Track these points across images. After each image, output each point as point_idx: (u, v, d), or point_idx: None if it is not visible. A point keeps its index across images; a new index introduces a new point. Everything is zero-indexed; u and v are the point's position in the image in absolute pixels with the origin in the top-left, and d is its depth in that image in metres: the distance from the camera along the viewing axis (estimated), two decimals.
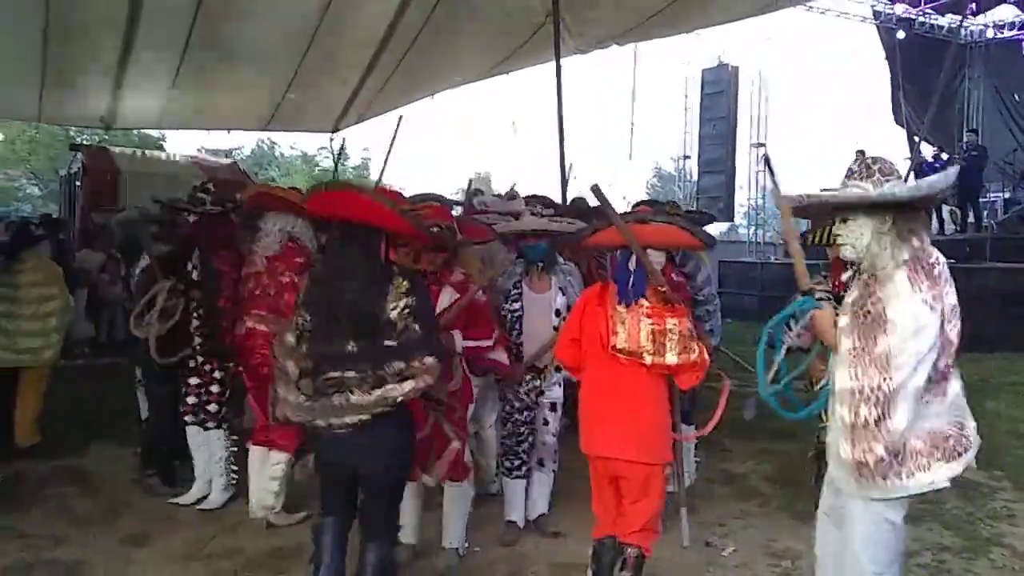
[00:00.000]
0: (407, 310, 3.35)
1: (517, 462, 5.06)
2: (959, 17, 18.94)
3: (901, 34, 20.08)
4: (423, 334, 3.38)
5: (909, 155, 18.15)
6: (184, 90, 11.88)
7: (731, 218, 23.40)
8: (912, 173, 16.84)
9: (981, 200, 16.97)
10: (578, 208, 6.70)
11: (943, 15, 20.29)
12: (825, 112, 71.52)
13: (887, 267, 2.87)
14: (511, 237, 5.30)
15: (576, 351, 3.96)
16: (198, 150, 28.65)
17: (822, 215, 3.24)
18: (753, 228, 23.21)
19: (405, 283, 3.40)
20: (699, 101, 21.97)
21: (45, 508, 5.43)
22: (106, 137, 16.21)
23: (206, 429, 5.51)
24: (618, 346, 3.73)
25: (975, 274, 13.19)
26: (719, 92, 21.02)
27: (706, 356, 3.75)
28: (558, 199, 8.27)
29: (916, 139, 18.15)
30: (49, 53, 10.09)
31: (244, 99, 12.93)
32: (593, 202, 6.85)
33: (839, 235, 3.01)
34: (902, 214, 2.88)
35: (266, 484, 5.17)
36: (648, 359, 3.67)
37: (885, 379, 2.72)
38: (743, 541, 5.03)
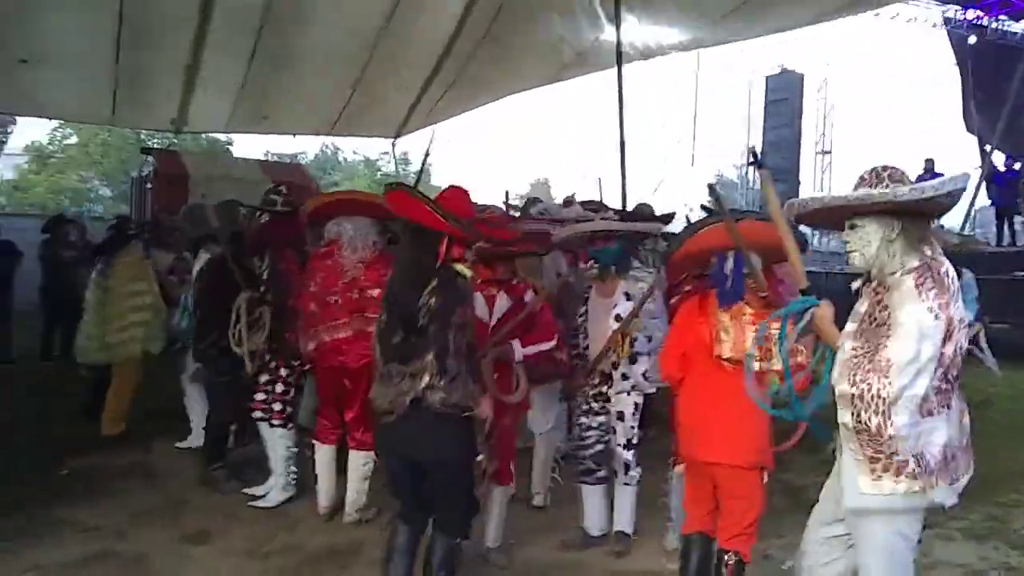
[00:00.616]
0: (425, 309, 3.49)
1: (582, 468, 4.99)
2: None
3: (972, 40, 19.60)
4: (434, 334, 3.49)
5: (980, 164, 17.74)
6: (251, 95, 12.10)
7: (796, 227, 23.06)
8: (984, 183, 16.53)
9: None
10: (641, 214, 6.65)
11: (1017, 20, 19.75)
12: (893, 120, 70.11)
13: (896, 274, 2.81)
14: (582, 241, 5.26)
15: (682, 363, 3.95)
16: (264, 154, 29.27)
17: (830, 221, 3.13)
18: (818, 236, 22.85)
19: (434, 282, 3.52)
20: (763, 108, 21.75)
21: (110, 502, 5.55)
22: (175, 141, 16.57)
23: (271, 427, 5.61)
24: (724, 355, 3.75)
25: None
26: (783, 99, 20.81)
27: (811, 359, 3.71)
28: (618, 206, 8.23)
29: (987, 148, 17.68)
30: (122, 59, 10.37)
31: (309, 104, 13.13)
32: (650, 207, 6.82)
33: (847, 242, 2.95)
34: (911, 221, 2.81)
35: (359, 485, 5.29)
36: (757, 365, 3.57)
37: (884, 386, 2.65)
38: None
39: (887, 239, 2.84)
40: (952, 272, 2.82)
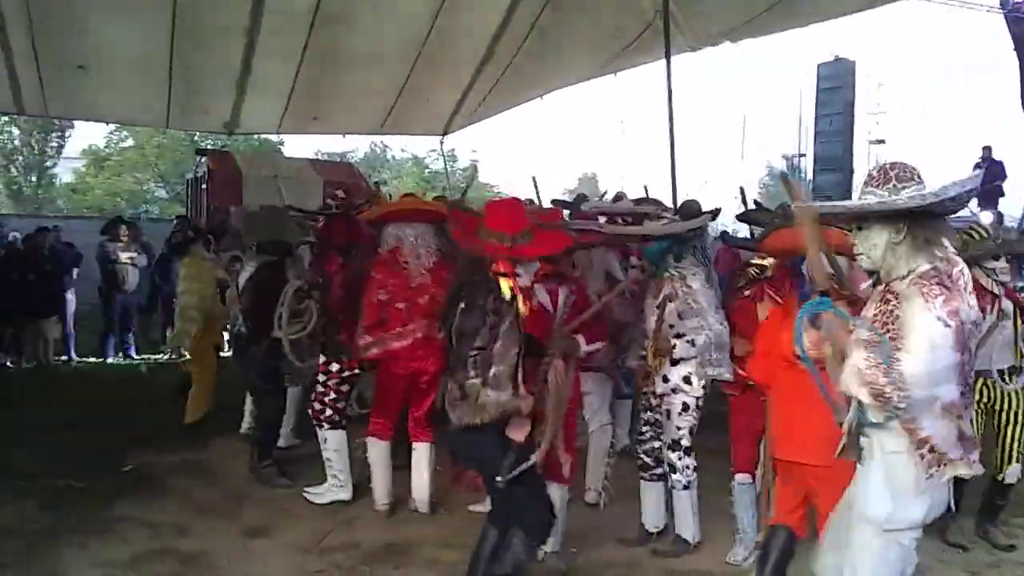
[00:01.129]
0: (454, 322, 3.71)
1: (639, 463, 4.99)
2: None
3: None
4: (459, 348, 3.68)
5: None
6: (301, 96, 12.22)
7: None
8: None
9: None
10: (689, 210, 6.57)
11: None
12: (949, 107, 68.69)
13: (904, 278, 2.75)
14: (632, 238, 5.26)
15: (768, 366, 3.95)
16: (315, 153, 29.56)
17: (842, 222, 3.07)
18: None
19: (466, 298, 3.71)
20: (815, 97, 21.44)
21: (171, 499, 5.67)
22: (228, 142, 16.81)
23: (318, 427, 5.69)
24: (802, 354, 3.72)
25: None
26: (836, 87, 20.46)
27: None
28: (668, 201, 8.16)
29: None
30: (175, 63, 10.54)
31: (358, 104, 13.22)
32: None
33: (855, 244, 2.90)
34: (917, 222, 2.74)
35: (422, 479, 5.38)
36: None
37: (903, 399, 2.60)
38: None
39: (892, 241, 2.78)
40: (966, 271, 2.76)
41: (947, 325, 2.61)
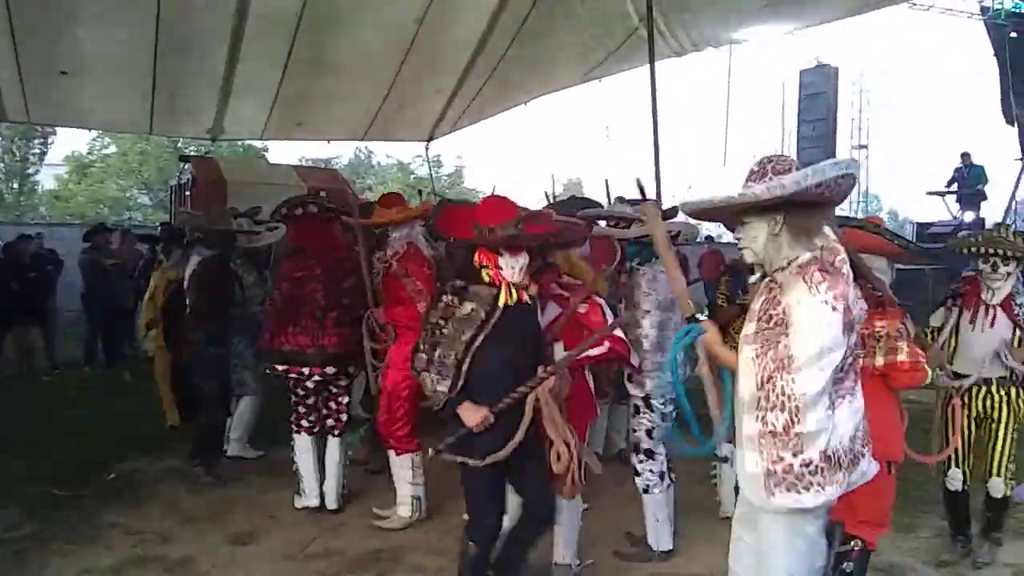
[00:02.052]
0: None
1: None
2: None
3: (1011, 31, 19.26)
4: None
5: (1020, 156, 17.46)
6: (286, 102, 12.19)
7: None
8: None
9: None
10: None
11: None
12: (930, 112, 69.24)
13: (785, 268, 2.76)
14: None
15: None
16: (299, 159, 29.52)
17: (725, 217, 3.10)
18: None
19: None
20: (797, 103, 21.56)
21: (156, 506, 5.66)
22: (212, 148, 16.76)
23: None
24: None
25: None
26: (818, 93, 20.59)
27: (919, 358, 3.78)
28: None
29: None
30: (159, 69, 10.48)
31: (343, 110, 13.20)
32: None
33: (739, 239, 2.91)
34: (793, 213, 2.74)
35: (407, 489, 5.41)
36: (860, 361, 3.73)
37: (789, 383, 2.61)
38: None
39: (772, 233, 2.79)
40: (848, 260, 2.77)
41: (834, 309, 2.62)
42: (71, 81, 10.73)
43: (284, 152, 61.54)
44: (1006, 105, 19.50)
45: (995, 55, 19.50)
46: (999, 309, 4.63)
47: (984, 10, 19.63)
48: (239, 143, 29.78)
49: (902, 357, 3.75)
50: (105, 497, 5.77)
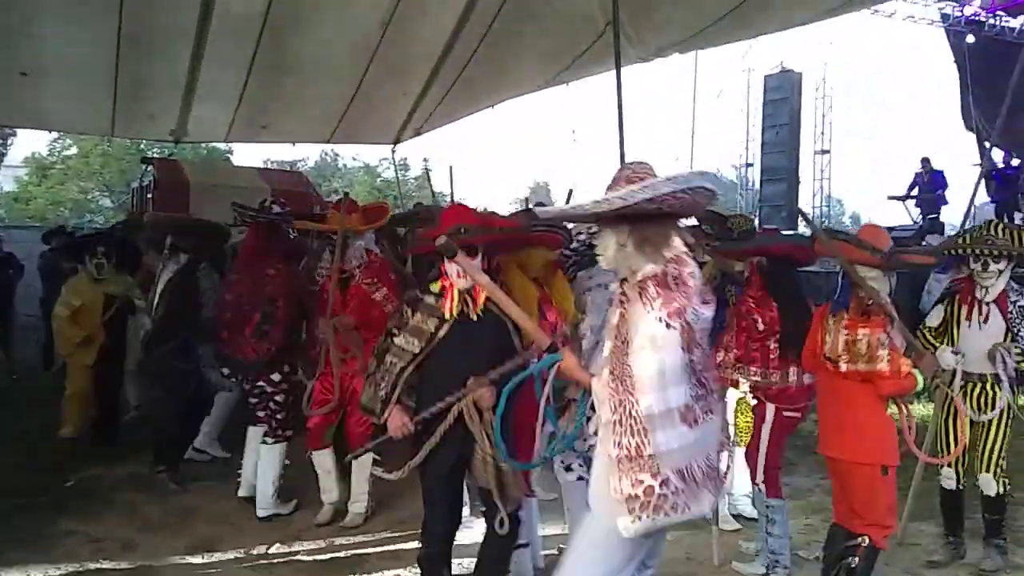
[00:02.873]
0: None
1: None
2: None
3: (970, 37, 19.59)
4: None
5: (979, 161, 17.73)
6: (250, 105, 12.09)
7: (795, 227, 23.01)
8: (983, 179, 16.50)
9: None
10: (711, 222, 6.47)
11: (1014, 17, 19.74)
12: (892, 118, 70.21)
13: (631, 281, 2.76)
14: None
15: (811, 365, 4.27)
16: (264, 162, 29.30)
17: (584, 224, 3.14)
18: None
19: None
20: (761, 107, 21.76)
21: (115, 514, 5.58)
22: (175, 150, 16.59)
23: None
24: (826, 354, 4.04)
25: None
26: (782, 98, 20.79)
27: (902, 367, 3.84)
28: None
29: (986, 145, 17.67)
30: (121, 70, 10.35)
31: (308, 112, 13.11)
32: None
33: (596, 247, 2.91)
34: (639, 225, 2.73)
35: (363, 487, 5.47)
36: (843, 366, 3.95)
37: (633, 404, 2.59)
38: (808, 557, 4.95)
39: (619, 244, 2.78)
40: (697, 273, 2.75)
41: (668, 326, 2.59)
42: (31, 82, 10.57)
43: (249, 155, 61.05)
44: (965, 112, 19.84)
45: (955, 62, 19.84)
46: (992, 307, 4.70)
47: (945, 18, 19.94)
48: (203, 145, 29.50)
49: (882, 366, 3.84)
50: (63, 505, 5.67)
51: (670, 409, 2.59)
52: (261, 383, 5.54)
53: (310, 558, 4.90)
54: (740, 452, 4.80)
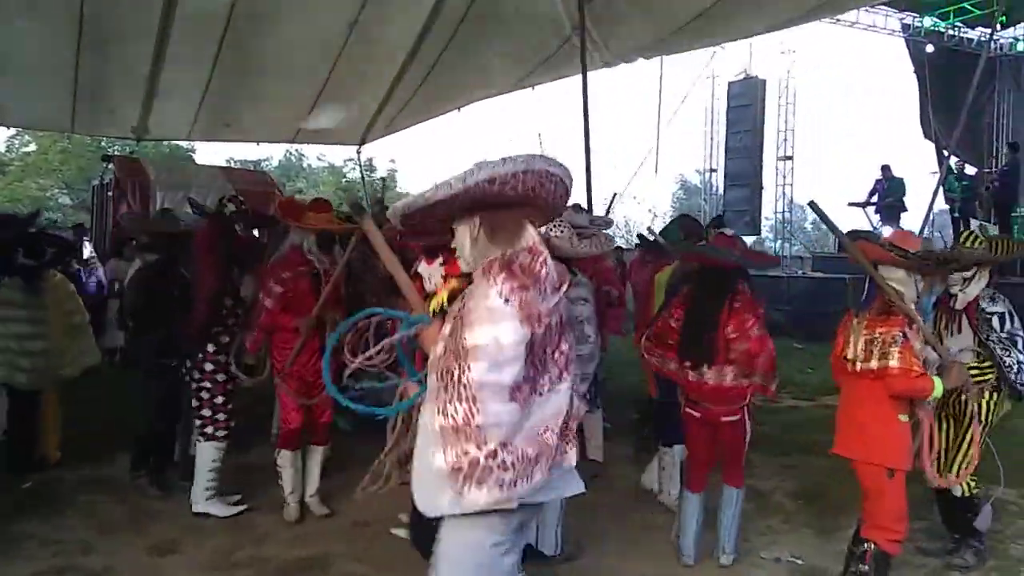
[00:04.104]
0: None
1: None
2: (989, 30, 18.75)
3: (930, 48, 19.93)
4: None
5: (937, 169, 18.02)
6: (213, 102, 11.99)
7: (757, 231, 23.26)
8: (940, 187, 16.79)
9: (1012, 215, 16.79)
10: (686, 228, 6.54)
11: (973, 28, 20.12)
12: (853, 125, 71.12)
13: (478, 269, 2.73)
14: None
15: (836, 368, 4.35)
16: (227, 161, 29.03)
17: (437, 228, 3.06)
18: (780, 242, 23.10)
19: None
20: (725, 114, 21.96)
21: (74, 516, 5.50)
22: (137, 148, 16.40)
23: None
24: (847, 356, 4.14)
25: (1004, 290, 12.97)
26: (746, 105, 21.00)
27: (913, 366, 3.90)
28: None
29: (945, 153, 17.98)
30: (81, 66, 10.23)
31: (272, 111, 13.04)
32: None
33: (453, 245, 2.89)
34: (487, 215, 2.72)
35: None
36: (859, 365, 4.05)
37: (465, 371, 2.51)
38: (768, 558, 5.01)
39: (472, 237, 2.76)
40: (549, 263, 2.68)
41: (507, 301, 2.55)
42: None
43: (212, 153, 60.53)
44: (924, 120, 20.18)
45: (915, 72, 20.17)
46: (962, 315, 4.78)
47: (905, 27, 20.27)
48: (165, 143, 29.16)
49: (893, 362, 3.90)
50: (21, 506, 5.58)
51: (502, 383, 2.51)
52: (194, 372, 5.61)
53: (277, 560, 4.85)
54: None
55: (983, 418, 4.67)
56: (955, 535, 5.01)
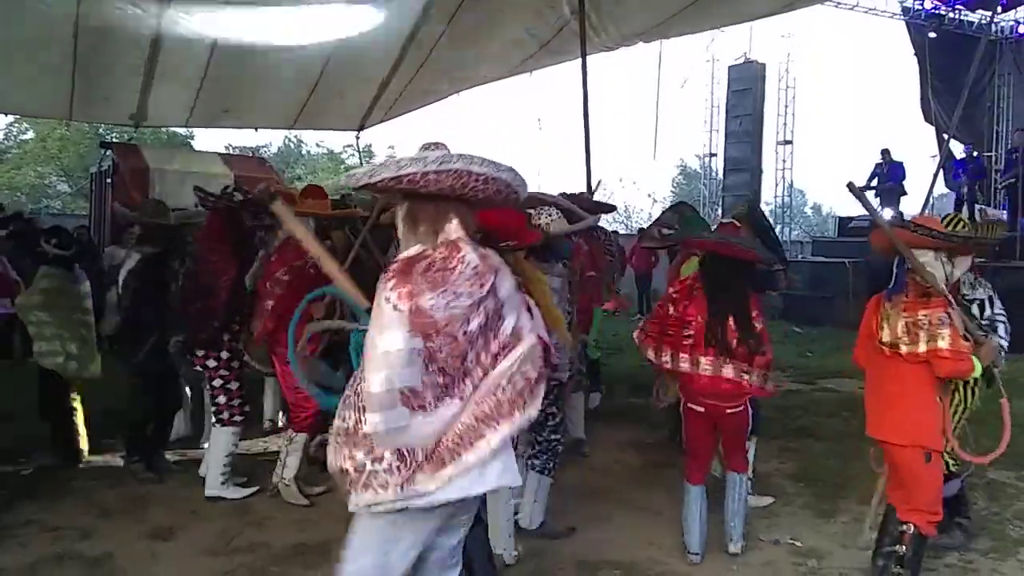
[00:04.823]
0: None
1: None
2: (989, 13, 18.67)
3: (931, 32, 19.85)
4: None
5: (938, 152, 18.00)
6: (211, 89, 11.97)
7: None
8: (941, 170, 16.78)
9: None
10: (683, 215, 6.48)
11: (973, 11, 20.03)
12: (853, 109, 71.03)
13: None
14: None
15: (864, 351, 4.33)
16: (226, 148, 28.97)
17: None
18: (780, 226, 23.07)
19: None
20: (725, 98, 21.90)
21: (73, 502, 5.51)
22: (135, 135, 16.36)
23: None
24: (883, 340, 4.10)
25: (1003, 274, 12.93)
26: (746, 89, 20.96)
27: (962, 347, 3.86)
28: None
29: (945, 136, 17.94)
30: (79, 52, 10.20)
31: (270, 98, 13.01)
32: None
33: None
34: (413, 205, 2.67)
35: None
36: (904, 348, 3.98)
37: (361, 380, 2.53)
38: (767, 539, 5.02)
39: (399, 224, 2.74)
40: (469, 260, 2.57)
41: (396, 308, 2.49)
42: None
43: (210, 140, 60.54)
44: (925, 104, 20.12)
45: (915, 55, 20.09)
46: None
47: (905, 11, 20.17)
48: (163, 130, 29.12)
49: (943, 344, 3.85)
50: (19, 493, 5.59)
51: (391, 390, 2.47)
52: (206, 362, 5.63)
53: (276, 545, 4.85)
54: None
55: (965, 402, 4.64)
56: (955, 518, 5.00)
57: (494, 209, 3.14)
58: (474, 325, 2.56)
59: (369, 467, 2.52)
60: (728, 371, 4.51)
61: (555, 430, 4.99)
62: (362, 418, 2.51)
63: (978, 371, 3.93)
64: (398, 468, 2.52)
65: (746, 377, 4.51)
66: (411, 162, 2.50)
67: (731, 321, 4.50)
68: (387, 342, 2.48)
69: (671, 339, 4.63)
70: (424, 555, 2.80)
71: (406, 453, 2.52)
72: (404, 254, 2.62)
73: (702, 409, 4.63)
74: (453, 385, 2.57)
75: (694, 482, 4.77)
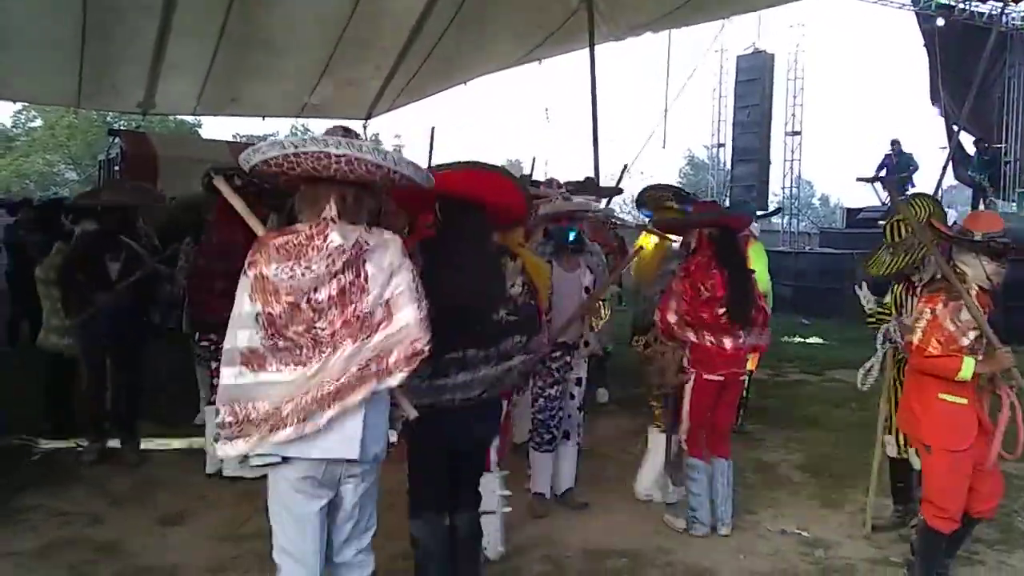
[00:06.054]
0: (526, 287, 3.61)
1: (548, 436, 5.15)
2: (1000, 3, 18.54)
3: (940, 21, 19.71)
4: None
5: (947, 144, 17.93)
6: (219, 77, 11.97)
7: (765, 207, 23.13)
8: (950, 162, 16.74)
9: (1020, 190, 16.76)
10: (655, 198, 6.49)
11: (984, 2, 19.88)
12: (862, 100, 70.73)
13: None
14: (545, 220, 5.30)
15: None
16: (233, 136, 28.96)
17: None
18: (788, 217, 22.98)
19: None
20: (733, 88, 21.80)
21: (84, 487, 5.53)
22: (143, 123, 16.37)
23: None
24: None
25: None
26: (754, 79, 20.82)
27: (931, 346, 3.84)
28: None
29: (955, 128, 17.87)
30: (88, 40, 10.21)
31: (278, 86, 13.01)
32: None
33: None
34: (305, 185, 2.86)
35: None
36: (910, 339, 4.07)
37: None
38: (774, 529, 5.03)
39: (297, 203, 2.94)
40: (332, 239, 2.71)
41: (244, 274, 2.76)
42: None
43: (218, 128, 60.59)
44: (934, 94, 19.98)
45: (925, 45, 19.95)
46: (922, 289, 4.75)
47: (915, 1, 20.03)
48: (171, 118, 29.11)
49: (915, 337, 3.89)
50: (30, 478, 5.62)
51: (232, 348, 2.76)
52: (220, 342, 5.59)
53: None
54: None
55: None
56: (896, 503, 5.11)
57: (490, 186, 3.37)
58: (322, 295, 2.73)
59: (222, 419, 2.75)
60: (751, 339, 4.75)
61: (543, 409, 5.13)
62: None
63: (966, 372, 3.76)
64: (232, 424, 2.73)
65: (762, 340, 4.80)
66: (271, 147, 2.69)
67: (746, 289, 4.68)
68: (237, 305, 2.76)
69: (704, 320, 4.66)
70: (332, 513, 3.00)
71: (238, 410, 2.73)
72: (276, 230, 2.86)
73: (720, 378, 4.71)
74: (299, 351, 2.74)
75: (706, 459, 4.83)
